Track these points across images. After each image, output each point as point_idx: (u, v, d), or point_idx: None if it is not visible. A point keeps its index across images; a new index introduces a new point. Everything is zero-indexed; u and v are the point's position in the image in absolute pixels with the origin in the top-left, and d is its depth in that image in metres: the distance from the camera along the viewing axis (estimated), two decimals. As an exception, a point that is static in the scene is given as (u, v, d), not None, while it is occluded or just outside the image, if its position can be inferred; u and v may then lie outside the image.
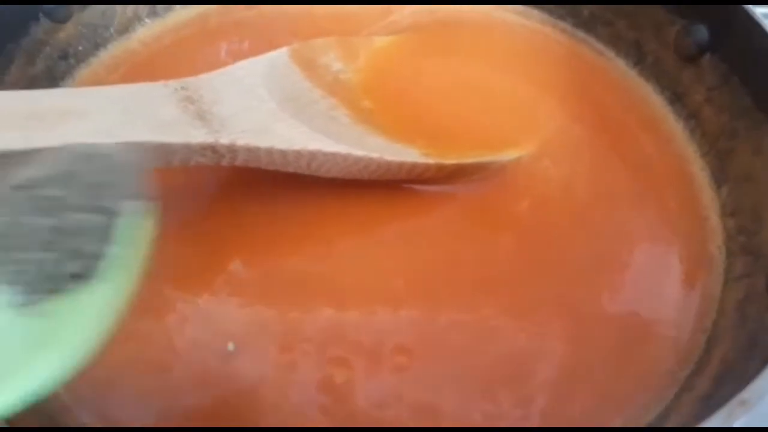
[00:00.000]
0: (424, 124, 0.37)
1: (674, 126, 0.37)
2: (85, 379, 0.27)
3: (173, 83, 0.31)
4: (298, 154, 0.31)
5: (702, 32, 0.36)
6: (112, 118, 0.28)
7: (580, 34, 0.42)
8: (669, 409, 0.28)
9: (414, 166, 0.34)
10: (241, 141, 0.30)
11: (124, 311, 0.22)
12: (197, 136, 0.29)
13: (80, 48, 0.40)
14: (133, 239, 0.23)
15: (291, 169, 0.32)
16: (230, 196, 0.34)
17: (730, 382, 0.26)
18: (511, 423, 0.27)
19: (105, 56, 0.40)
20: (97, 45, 0.40)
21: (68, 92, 0.33)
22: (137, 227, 0.23)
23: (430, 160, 0.34)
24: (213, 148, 0.29)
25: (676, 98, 0.38)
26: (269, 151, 0.30)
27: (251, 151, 0.30)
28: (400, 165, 0.33)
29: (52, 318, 0.21)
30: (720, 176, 0.35)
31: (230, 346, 0.29)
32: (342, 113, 0.35)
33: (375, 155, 0.32)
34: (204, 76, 0.32)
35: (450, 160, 0.34)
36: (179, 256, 0.31)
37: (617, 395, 0.28)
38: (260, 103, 0.32)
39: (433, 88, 0.39)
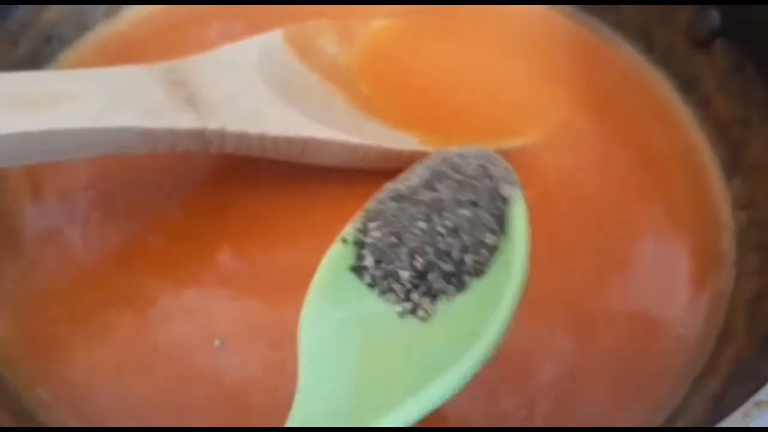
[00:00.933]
0: (423, 111, 0.36)
1: (684, 115, 0.36)
2: (64, 378, 0.27)
3: (162, 66, 0.30)
4: (291, 142, 0.30)
5: (714, 16, 0.35)
6: (98, 103, 0.27)
7: (587, 18, 0.40)
8: (680, 409, 0.26)
9: (413, 154, 0.32)
10: (231, 127, 0.28)
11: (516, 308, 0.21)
12: (185, 121, 0.28)
13: (65, 30, 0.38)
14: (521, 227, 0.23)
15: (283, 158, 0.30)
16: (219, 185, 0.33)
17: (743, 382, 0.25)
18: (515, 425, 0.26)
19: (91, 39, 0.39)
20: (83, 27, 0.39)
21: (52, 75, 0.32)
22: (522, 214, 0.23)
23: (429, 149, 0.33)
24: (201, 134, 0.28)
25: (687, 86, 0.36)
26: (260, 138, 0.29)
27: (241, 137, 0.29)
28: (399, 153, 0.32)
29: (446, 320, 0.21)
30: (732, 168, 0.33)
31: (217, 342, 0.28)
32: (338, 99, 0.34)
33: (373, 143, 0.31)
34: (194, 59, 0.31)
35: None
36: (164, 247, 0.30)
37: (625, 395, 0.27)
38: (252, 87, 0.31)
39: (433, 74, 0.38)
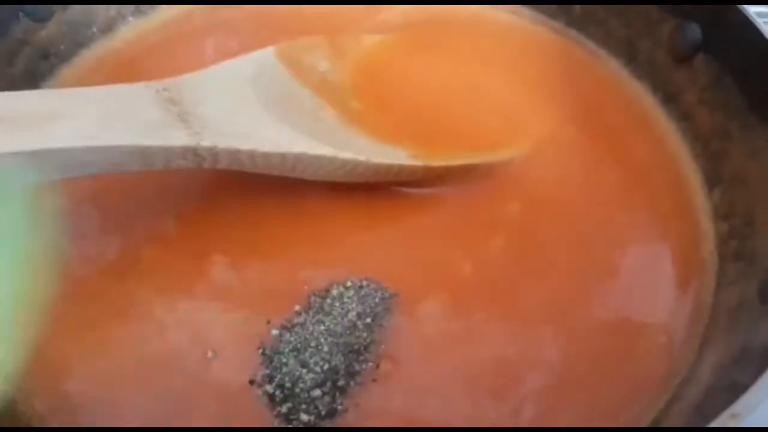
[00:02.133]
0: (412, 125, 0.36)
1: (667, 127, 0.37)
2: (60, 390, 0.27)
3: (155, 84, 0.30)
4: (283, 157, 0.30)
5: (695, 31, 0.35)
6: (92, 121, 0.27)
7: (572, 33, 0.41)
8: (659, 419, 0.27)
9: (401, 168, 0.33)
10: (223, 144, 0.29)
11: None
12: (178, 138, 0.28)
13: (62, 47, 0.39)
14: None
15: (276, 173, 0.31)
16: (211, 197, 0.33)
17: (722, 392, 0.25)
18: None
19: (88, 56, 0.40)
20: (79, 44, 0.39)
21: (46, 93, 0.32)
22: None
23: (418, 162, 0.33)
24: (194, 151, 0.29)
25: (669, 98, 0.37)
26: (251, 154, 0.30)
27: (233, 154, 0.29)
28: (388, 167, 0.33)
29: None
30: (712, 178, 0.34)
31: (210, 354, 0.28)
32: (329, 114, 0.35)
33: (362, 158, 0.32)
34: (187, 77, 0.31)
35: (438, 162, 0.33)
36: (157, 259, 0.31)
37: (608, 403, 0.28)
38: (245, 103, 0.32)
39: (423, 88, 0.39)
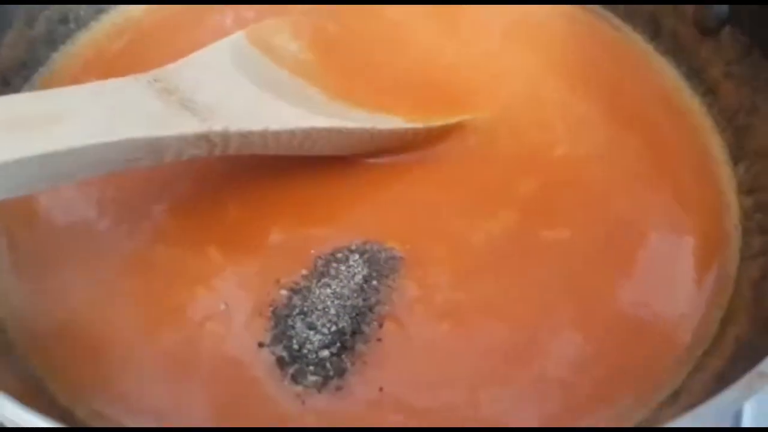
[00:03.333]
0: (404, 93, 0.36)
1: (691, 101, 0.36)
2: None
3: (144, 76, 0.29)
4: (292, 134, 0.30)
5: (722, 4, 0.35)
6: (97, 118, 0.26)
7: (596, 8, 0.40)
8: (682, 387, 0.27)
9: (405, 132, 0.33)
10: (234, 127, 0.28)
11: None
12: (190, 126, 0.27)
13: (81, 12, 0.39)
14: None
15: (284, 151, 0.31)
16: (221, 172, 0.33)
17: (745, 361, 0.25)
18: (530, 394, 0.27)
19: (107, 22, 0.39)
20: (98, 10, 0.39)
21: (43, 95, 0.30)
22: None
23: (419, 125, 0.33)
24: (207, 138, 0.28)
25: (693, 73, 0.36)
26: (263, 134, 0.29)
27: (244, 136, 0.29)
28: (391, 133, 0.32)
29: None
30: (737, 153, 0.33)
31: (222, 306, 0.28)
32: (314, 92, 0.34)
33: (368, 125, 0.31)
34: (170, 67, 0.30)
35: (437, 122, 0.34)
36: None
37: (628, 371, 0.27)
38: (239, 86, 0.31)
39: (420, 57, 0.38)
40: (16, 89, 0.36)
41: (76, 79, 0.36)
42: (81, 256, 0.30)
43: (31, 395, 0.26)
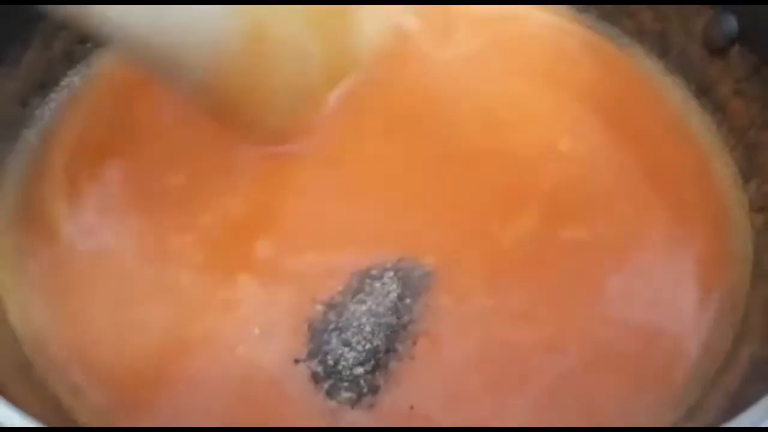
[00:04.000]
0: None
1: (699, 120, 0.36)
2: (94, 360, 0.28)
3: None
4: None
5: (731, 22, 0.35)
6: None
7: (604, 26, 0.41)
8: (695, 408, 0.27)
9: None
10: None
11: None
12: None
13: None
14: None
15: None
16: (255, 185, 0.33)
17: (759, 380, 0.25)
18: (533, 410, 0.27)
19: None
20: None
21: None
22: None
23: None
24: None
25: (703, 91, 0.36)
26: None
27: None
28: None
29: None
30: (748, 171, 0.34)
31: (257, 331, 0.29)
32: None
33: None
34: None
35: None
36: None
37: (639, 392, 0.28)
38: None
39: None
40: (33, 109, 0.36)
41: (95, 100, 0.36)
42: (104, 281, 0.30)
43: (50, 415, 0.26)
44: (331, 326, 0.28)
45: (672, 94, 0.37)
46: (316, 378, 0.27)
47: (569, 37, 0.41)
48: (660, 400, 0.27)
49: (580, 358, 0.28)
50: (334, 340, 0.27)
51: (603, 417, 0.27)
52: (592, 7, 0.41)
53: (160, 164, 0.33)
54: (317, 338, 0.28)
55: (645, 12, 0.39)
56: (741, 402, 0.23)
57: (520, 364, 0.28)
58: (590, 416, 0.27)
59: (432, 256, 0.30)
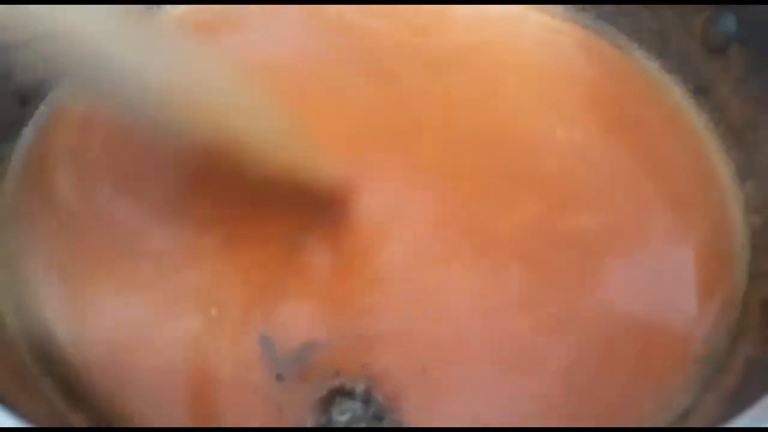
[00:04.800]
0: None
1: (697, 119, 0.36)
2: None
3: None
4: None
5: (730, 22, 0.35)
6: None
7: (602, 26, 0.40)
8: (691, 408, 0.27)
9: None
10: None
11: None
12: None
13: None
14: None
15: None
16: None
17: (756, 381, 0.25)
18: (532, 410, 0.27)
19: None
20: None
21: None
22: None
23: None
24: None
25: (700, 90, 0.36)
26: None
27: None
28: None
29: None
30: (745, 171, 0.33)
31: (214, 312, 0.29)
32: None
33: None
34: None
35: None
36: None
37: (636, 391, 0.28)
38: None
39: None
40: (33, 107, 0.36)
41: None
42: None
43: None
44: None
45: (670, 93, 0.37)
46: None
47: (566, 37, 0.41)
48: (658, 398, 0.27)
49: (578, 349, 0.28)
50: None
51: (602, 416, 0.27)
52: (589, 6, 0.41)
53: (164, 164, 0.33)
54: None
55: (643, 11, 0.39)
56: (740, 402, 0.23)
57: (518, 353, 0.28)
58: (586, 412, 0.27)
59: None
